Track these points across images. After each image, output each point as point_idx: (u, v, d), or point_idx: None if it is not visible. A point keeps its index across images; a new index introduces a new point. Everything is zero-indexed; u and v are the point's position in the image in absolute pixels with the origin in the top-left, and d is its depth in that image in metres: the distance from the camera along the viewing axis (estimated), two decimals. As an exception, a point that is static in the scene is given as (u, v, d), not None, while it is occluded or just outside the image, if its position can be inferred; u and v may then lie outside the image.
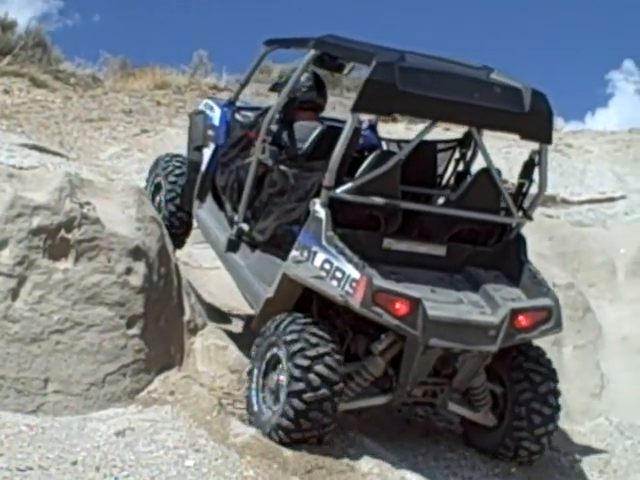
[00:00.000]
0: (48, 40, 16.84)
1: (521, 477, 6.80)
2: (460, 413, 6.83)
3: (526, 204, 6.85)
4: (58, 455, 5.69)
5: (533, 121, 6.44)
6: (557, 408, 6.70)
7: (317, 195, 6.41)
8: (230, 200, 7.45)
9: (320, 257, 6.18)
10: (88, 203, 7.10)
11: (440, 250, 6.60)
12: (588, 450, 7.50)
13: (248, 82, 8.19)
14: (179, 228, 8.39)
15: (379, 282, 5.99)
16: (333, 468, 6.24)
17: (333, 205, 6.30)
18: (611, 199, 11.78)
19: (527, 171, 6.78)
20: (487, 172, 6.65)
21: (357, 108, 6.25)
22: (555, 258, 9.58)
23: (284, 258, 6.56)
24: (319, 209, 6.30)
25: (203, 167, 7.85)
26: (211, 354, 7.48)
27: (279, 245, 6.74)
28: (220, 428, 6.37)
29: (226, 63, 22.26)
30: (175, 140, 13.91)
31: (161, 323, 7.26)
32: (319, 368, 6.02)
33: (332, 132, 6.85)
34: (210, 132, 7.91)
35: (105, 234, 7.01)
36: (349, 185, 6.31)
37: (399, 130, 13.40)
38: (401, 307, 5.91)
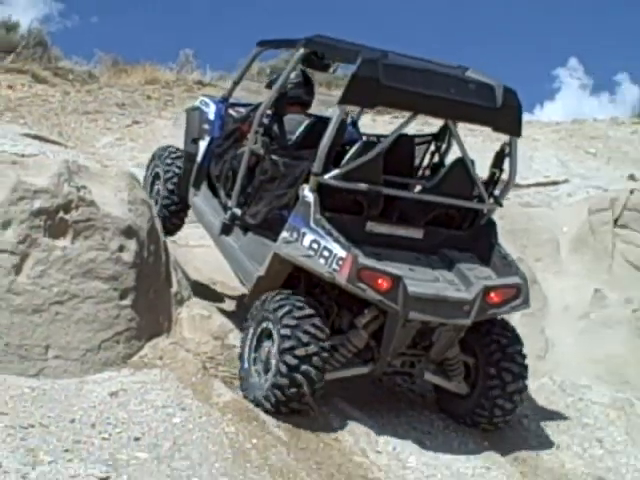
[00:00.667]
0: (48, 40, 16.72)
1: (475, 432, 6.85)
2: (435, 382, 6.74)
3: (496, 191, 6.78)
4: (57, 414, 5.71)
5: (504, 115, 6.34)
6: (525, 367, 6.65)
7: (306, 181, 6.33)
8: (224, 187, 7.33)
9: (309, 238, 6.10)
10: (84, 187, 7.08)
11: (418, 233, 6.51)
12: (534, 407, 7.53)
13: (241, 80, 7.99)
14: (171, 231, 8.30)
15: (363, 260, 5.90)
16: (305, 424, 6.29)
17: (321, 190, 6.22)
18: (555, 183, 11.80)
19: (498, 161, 6.67)
20: (462, 162, 6.57)
21: (344, 101, 6.16)
22: (506, 235, 9.56)
23: (274, 239, 6.47)
24: (308, 194, 6.22)
25: (199, 158, 7.70)
26: (196, 323, 7.48)
27: (270, 227, 6.65)
28: (204, 389, 6.38)
29: (210, 61, 22.20)
30: (163, 130, 13.90)
31: (151, 295, 7.26)
32: (305, 368, 5.97)
33: (319, 124, 6.78)
34: (206, 126, 7.76)
35: (100, 215, 7.00)
36: (336, 172, 6.23)
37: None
38: (383, 283, 5.83)
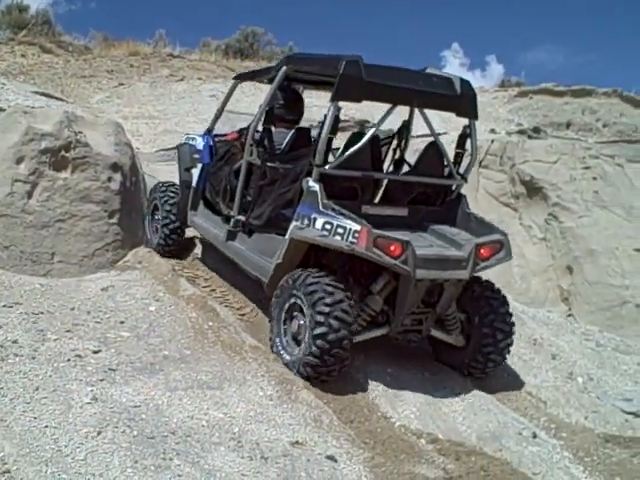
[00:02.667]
0: (53, 19, 16.42)
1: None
2: (439, 337, 5.89)
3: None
4: (61, 304, 5.64)
5: (463, 102, 5.73)
6: (512, 325, 5.94)
7: (307, 176, 5.52)
8: (223, 200, 6.51)
9: (320, 221, 5.31)
10: (81, 132, 6.92)
11: (403, 212, 5.91)
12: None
13: (221, 113, 6.95)
14: (172, 248, 7.18)
15: (376, 230, 5.16)
16: (254, 316, 6.28)
17: (323, 180, 5.45)
18: (438, 134, 11.81)
19: (461, 142, 5.96)
20: (434, 144, 5.95)
21: (335, 98, 5.36)
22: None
23: (280, 234, 5.70)
24: (313, 184, 5.42)
25: (194, 183, 6.91)
26: (167, 236, 7.40)
27: (273, 225, 5.88)
28: (173, 285, 6.33)
29: (178, 37, 21.81)
30: (142, 91, 13.60)
31: (132, 215, 7.16)
32: (335, 351, 5.18)
33: (300, 132, 6.19)
34: (196, 155, 6.99)
35: (93, 153, 6.85)
36: (334, 162, 5.48)
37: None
38: (395, 249, 5.15)
